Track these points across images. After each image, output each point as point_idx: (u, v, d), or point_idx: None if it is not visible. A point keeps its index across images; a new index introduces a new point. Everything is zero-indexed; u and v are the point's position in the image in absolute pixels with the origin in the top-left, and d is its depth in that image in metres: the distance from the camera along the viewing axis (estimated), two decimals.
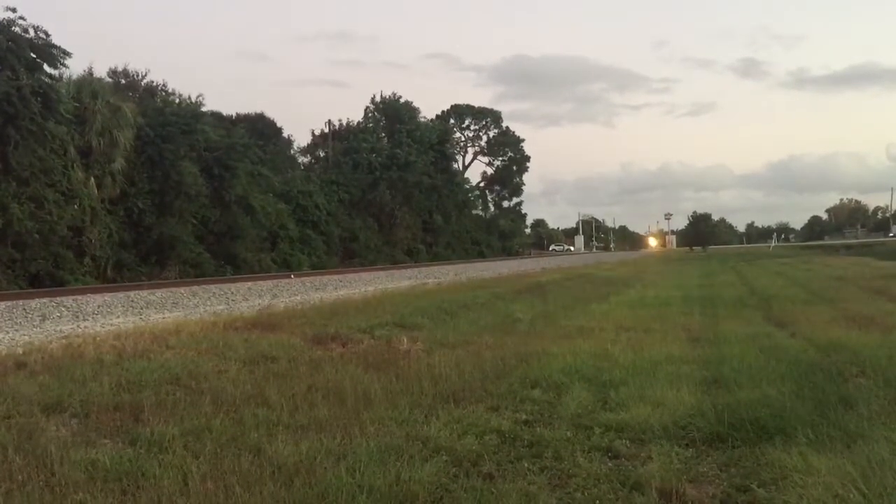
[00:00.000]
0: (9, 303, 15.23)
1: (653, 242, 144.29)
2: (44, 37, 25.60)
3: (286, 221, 41.77)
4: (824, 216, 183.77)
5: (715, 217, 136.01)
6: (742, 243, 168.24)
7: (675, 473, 5.24)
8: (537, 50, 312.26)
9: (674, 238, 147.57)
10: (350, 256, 48.60)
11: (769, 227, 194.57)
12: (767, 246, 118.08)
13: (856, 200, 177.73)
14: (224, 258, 34.70)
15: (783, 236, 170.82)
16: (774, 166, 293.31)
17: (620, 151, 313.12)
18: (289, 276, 28.32)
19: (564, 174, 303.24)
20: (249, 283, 23.16)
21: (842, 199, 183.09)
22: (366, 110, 61.36)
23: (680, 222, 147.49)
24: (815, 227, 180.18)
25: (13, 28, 24.73)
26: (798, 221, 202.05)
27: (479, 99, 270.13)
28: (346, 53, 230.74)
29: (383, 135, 59.00)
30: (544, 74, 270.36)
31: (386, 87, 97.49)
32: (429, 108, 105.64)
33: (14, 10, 24.71)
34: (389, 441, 5.89)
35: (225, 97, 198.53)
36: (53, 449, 5.44)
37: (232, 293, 19.61)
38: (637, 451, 5.84)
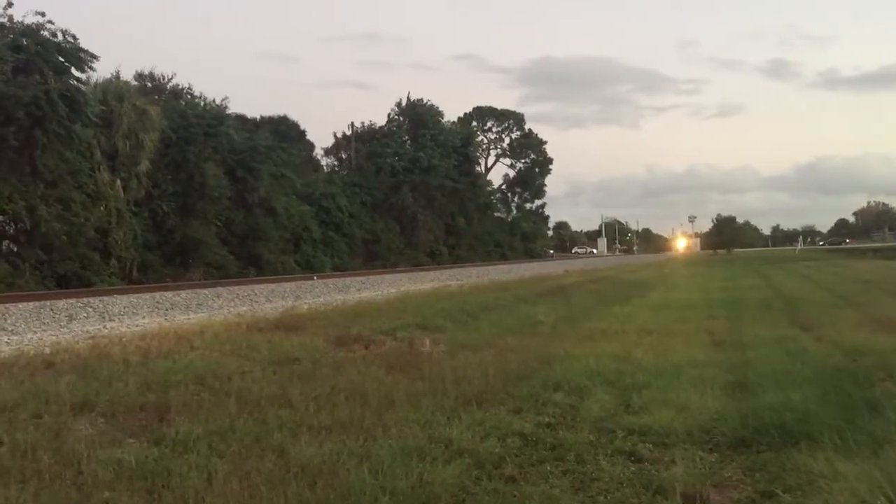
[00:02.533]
0: (37, 303, 15.44)
1: (681, 244, 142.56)
2: (71, 41, 25.91)
3: (309, 223, 41.96)
4: (851, 219, 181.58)
5: (739, 220, 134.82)
6: (767, 246, 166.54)
7: (699, 478, 5.21)
8: (564, 51, 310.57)
9: (697, 241, 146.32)
10: (372, 258, 48.75)
11: (795, 229, 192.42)
12: (793, 249, 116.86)
13: (883, 203, 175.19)
14: (247, 260, 34.93)
15: (809, 239, 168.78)
16: (802, 168, 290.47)
17: (646, 153, 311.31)
18: (311, 278, 28.46)
19: (588, 176, 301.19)
20: (272, 285, 23.31)
21: (869, 202, 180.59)
22: (389, 114, 61.60)
23: (705, 225, 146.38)
24: (841, 230, 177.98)
25: (42, 32, 25.06)
26: (824, 224, 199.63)
27: (505, 100, 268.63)
28: (373, 55, 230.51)
29: (406, 139, 59.10)
30: (570, 76, 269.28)
31: (412, 89, 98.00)
32: (455, 110, 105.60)
33: (43, 15, 25.05)
34: (412, 443, 5.90)
35: (251, 100, 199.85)
36: (81, 448, 5.51)
37: (255, 294, 19.74)
38: (660, 455, 5.81)
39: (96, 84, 29.11)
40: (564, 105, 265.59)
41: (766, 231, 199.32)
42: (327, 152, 60.78)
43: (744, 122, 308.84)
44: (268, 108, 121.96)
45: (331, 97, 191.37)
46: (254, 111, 60.75)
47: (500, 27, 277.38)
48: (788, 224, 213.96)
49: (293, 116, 61.17)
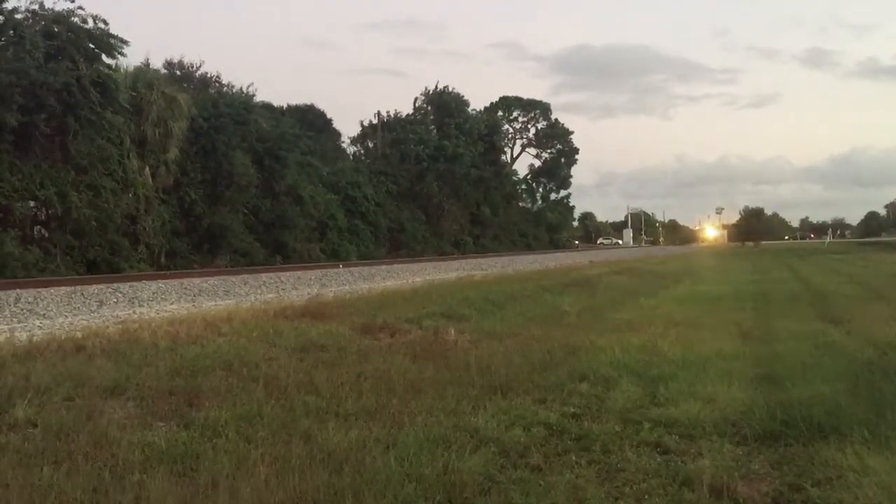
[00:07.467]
0: (68, 288, 15.65)
1: (710, 234, 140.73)
2: (102, 27, 26.10)
3: (335, 212, 42.08)
4: (883, 212, 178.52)
5: (769, 211, 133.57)
6: (795, 238, 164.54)
7: (727, 470, 5.18)
8: (601, 39, 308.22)
9: (724, 233, 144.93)
10: (397, 247, 48.82)
11: (824, 222, 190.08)
12: (822, 241, 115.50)
13: None
14: (274, 248, 35.13)
15: (838, 232, 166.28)
16: (836, 159, 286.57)
17: (677, 144, 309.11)
18: (337, 266, 28.58)
19: (618, 167, 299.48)
20: (299, 273, 23.45)
21: None
22: (415, 102, 61.51)
23: (733, 217, 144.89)
24: (871, 223, 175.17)
25: (73, 19, 25.28)
26: (855, 217, 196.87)
27: (537, 90, 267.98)
28: (408, 42, 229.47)
29: (433, 127, 58.98)
30: (605, 64, 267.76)
31: (444, 78, 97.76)
32: (485, 98, 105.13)
33: (73, 1, 25.27)
34: (437, 431, 5.92)
35: (278, 88, 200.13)
36: (112, 430, 5.60)
37: (281, 282, 19.88)
38: (687, 447, 5.78)
39: (126, 71, 29.33)
40: (597, 94, 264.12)
41: (795, 223, 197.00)
42: (353, 141, 60.88)
43: (778, 112, 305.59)
44: (295, 96, 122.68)
45: (361, 85, 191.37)
46: (280, 99, 60.84)
47: (538, 14, 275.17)
48: (819, 216, 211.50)
49: (320, 105, 61.30)
